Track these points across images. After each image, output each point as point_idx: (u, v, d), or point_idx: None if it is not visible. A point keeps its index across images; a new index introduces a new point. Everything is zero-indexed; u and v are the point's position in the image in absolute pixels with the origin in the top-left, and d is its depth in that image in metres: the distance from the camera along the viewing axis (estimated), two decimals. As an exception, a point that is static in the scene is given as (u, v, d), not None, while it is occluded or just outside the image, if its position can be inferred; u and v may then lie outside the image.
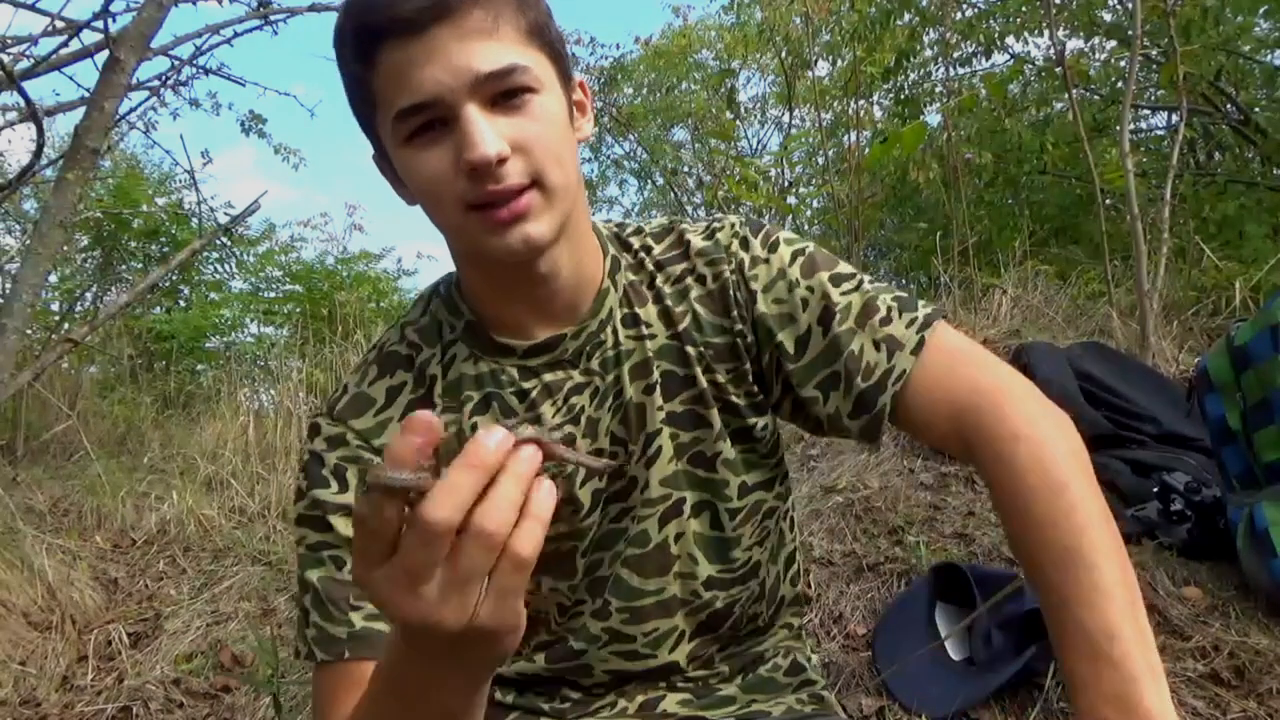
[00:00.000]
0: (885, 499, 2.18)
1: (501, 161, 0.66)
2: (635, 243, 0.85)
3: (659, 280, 0.83)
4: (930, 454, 2.40)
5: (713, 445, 0.81)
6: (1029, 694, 1.51)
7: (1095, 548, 0.65)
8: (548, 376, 0.79)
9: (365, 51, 0.68)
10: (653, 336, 0.81)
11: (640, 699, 0.85)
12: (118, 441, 4.11)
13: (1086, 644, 0.63)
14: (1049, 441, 0.71)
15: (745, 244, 0.83)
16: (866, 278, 0.82)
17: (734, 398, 0.82)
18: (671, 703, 0.85)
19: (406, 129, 0.68)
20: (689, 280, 0.82)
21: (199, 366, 5.61)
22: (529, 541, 0.47)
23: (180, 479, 3.18)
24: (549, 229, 0.70)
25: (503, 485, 0.46)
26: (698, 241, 0.84)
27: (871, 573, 1.95)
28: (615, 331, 0.80)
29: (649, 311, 0.82)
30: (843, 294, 0.80)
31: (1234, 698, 1.42)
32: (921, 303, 0.81)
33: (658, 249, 0.84)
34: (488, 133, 0.66)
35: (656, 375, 0.80)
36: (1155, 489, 1.93)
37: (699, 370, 0.81)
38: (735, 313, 0.81)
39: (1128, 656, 0.61)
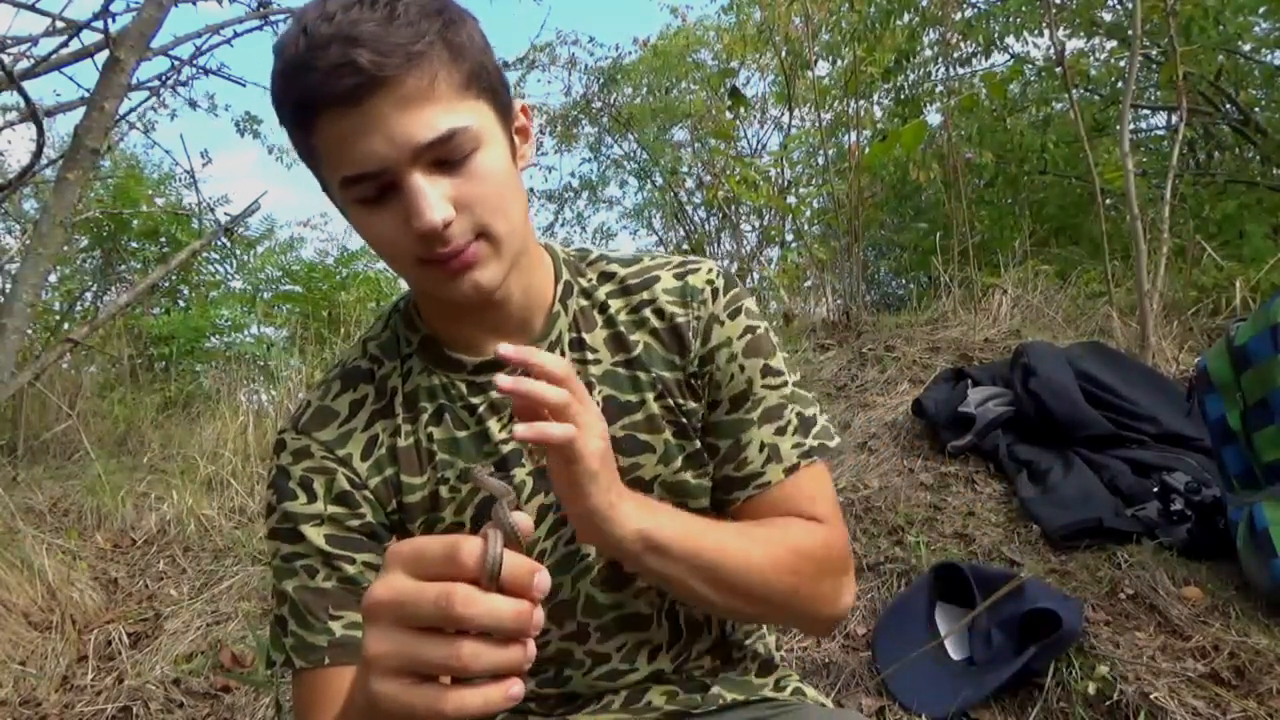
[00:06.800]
0: (885, 499, 2.18)
1: (447, 225, 0.68)
2: (593, 270, 0.87)
3: (614, 307, 0.85)
4: (930, 454, 2.40)
5: (652, 469, 0.83)
6: (1029, 694, 1.52)
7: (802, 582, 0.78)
8: (495, 393, 0.80)
9: (303, 121, 0.68)
10: (597, 362, 0.83)
11: (625, 693, 0.87)
12: (118, 441, 4.10)
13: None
14: (848, 549, 0.84)
15: (715, 296, 0.85)
16: (793, 380, 0.86)
17: (683, 420, 0.84)
18: (656, 695, 0.87)
19: (353, 195, 0.70)
20: (646, 312, 0.85)
21: (199, 367, 5.60)
22: (474, 660, 0.47)
23: (180, 479, 3.17)
24: (498, 274, 0.73)
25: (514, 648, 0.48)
26: (668, 279, 0.86)
27: (871, 573, 1.95)
28: (563, 354, 0.82)
29: (595, 337, 0.84)
30: (764, 387, 0.84)
31: (1234, 698, 1.42)
32: (819, 430, 0.86)
33: (622, 272, 0.86)
34: (433, 201, 0.67)
35: (597, 400, 0.81)
36: (1155, 489, 1.93)
37: (650, 395, 0.83)
38: (690, 354, 0.84)
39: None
